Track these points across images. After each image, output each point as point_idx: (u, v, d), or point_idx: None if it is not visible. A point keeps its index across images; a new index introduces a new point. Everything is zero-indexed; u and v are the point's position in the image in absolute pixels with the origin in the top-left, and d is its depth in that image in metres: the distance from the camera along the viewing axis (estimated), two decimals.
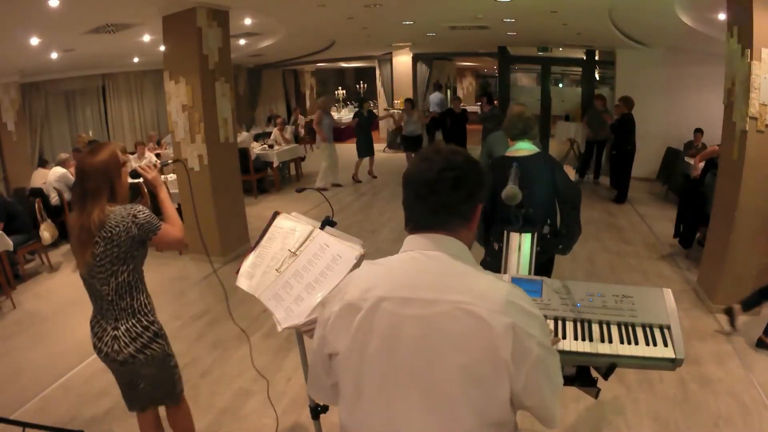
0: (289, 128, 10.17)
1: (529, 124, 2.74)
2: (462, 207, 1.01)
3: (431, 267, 0.98)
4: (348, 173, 8.72)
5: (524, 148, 2.68)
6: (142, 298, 2.00)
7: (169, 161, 2.69)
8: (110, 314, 1.94)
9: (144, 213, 1.91)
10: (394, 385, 0.94)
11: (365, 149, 8.64)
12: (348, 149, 11.41)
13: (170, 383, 2.14)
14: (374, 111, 9.44)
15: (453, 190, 0.99)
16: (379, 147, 9.12)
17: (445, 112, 9.77)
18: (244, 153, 7.18)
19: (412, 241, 1.03)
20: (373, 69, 13.83)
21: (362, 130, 8.58)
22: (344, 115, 14.58)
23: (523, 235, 1.87)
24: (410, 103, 9.10)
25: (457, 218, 1.02)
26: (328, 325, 1.02)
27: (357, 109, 8.71)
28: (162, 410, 2.25)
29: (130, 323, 1.94)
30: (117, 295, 1.91)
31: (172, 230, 1.99)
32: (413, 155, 7.44)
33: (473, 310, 0.89)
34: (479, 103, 9.88)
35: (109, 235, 1.83)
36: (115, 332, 1.93)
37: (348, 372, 0.99)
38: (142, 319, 1.97)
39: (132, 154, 7.30)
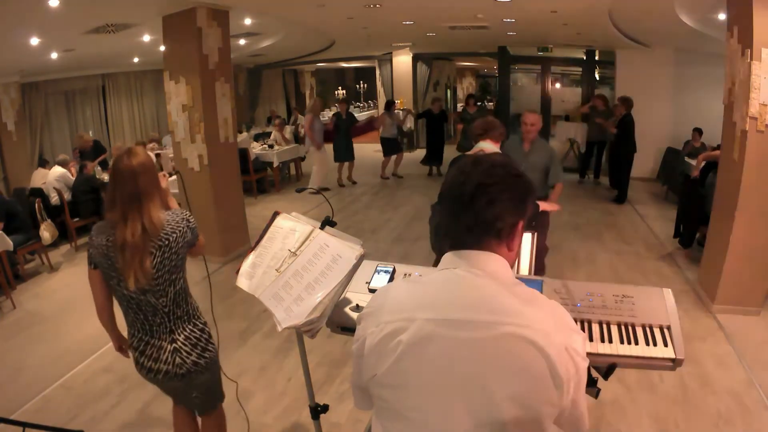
0: (289, 128, 10.14)
1: (489, 125, 3.11)
2: (498, 224, 0.94)
3: (478, 286, 0.93)
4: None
5: (485, 147, 2.98)
6: (191, 301, 1.94)
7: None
8: (164, 328, 1.83)
9: (191, 217, 1.88)
10: (441, 410, 0.89)
11: (343, 153, 8.17)
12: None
13: (219, 386, 2.08)
14: (353, 113, 8.95)
15: (489, 206, 0.92)
16: (378, 148, 9.02)
17: (422, 112, 9.57)
18: (243, 153, 7.17)
19: (451, 258, 0.98)
20: (373, 69, 13.82)
21: (340, 133, 8.09)
22: None
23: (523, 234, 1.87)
24: (389, 104, 8.88)
25: (493, 236, 0.95)
26: (365, 347, 0.96)
27: (337, 112, 8.23)
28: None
29: (188, 329, 1.87)
30: (174, 304, 1.83)
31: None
32: (391, 158, 7.28)
33: (528, 333, 0.87)
34: (464, 105, 9.76)
35: (166, 242, 1.74)
36: (174, 345, 1.83)
37: (387, 393, 0.94)
38: (197, 323, 1.92)
39: None
